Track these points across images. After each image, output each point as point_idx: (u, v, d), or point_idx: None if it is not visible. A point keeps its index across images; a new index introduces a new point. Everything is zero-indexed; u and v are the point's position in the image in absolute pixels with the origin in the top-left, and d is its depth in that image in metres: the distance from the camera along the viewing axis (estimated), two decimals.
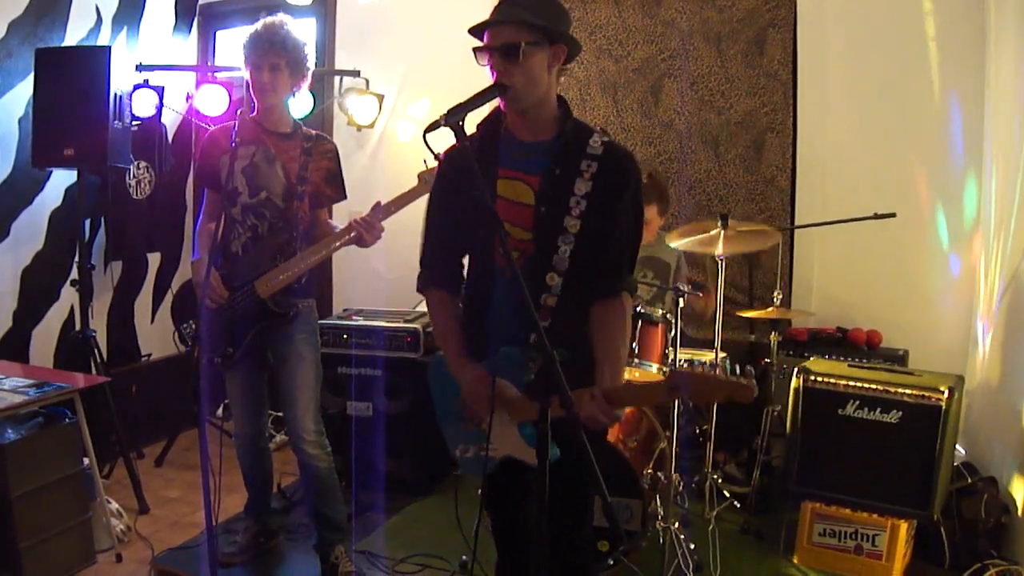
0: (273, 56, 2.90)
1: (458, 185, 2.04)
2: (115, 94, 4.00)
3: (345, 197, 3.17)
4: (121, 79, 4.14)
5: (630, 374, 3.23)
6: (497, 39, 1.95)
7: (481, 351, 2.10)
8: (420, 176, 2.94)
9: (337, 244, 3.01)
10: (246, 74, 2.96)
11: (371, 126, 5.01)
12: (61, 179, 4.37)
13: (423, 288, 2.23)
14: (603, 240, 2.03)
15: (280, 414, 3.75)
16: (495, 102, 2.01)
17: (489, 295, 2.10)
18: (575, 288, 2.03)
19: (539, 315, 1.96)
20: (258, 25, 2.93)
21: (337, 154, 3.14)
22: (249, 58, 2.92)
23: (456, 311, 2.19)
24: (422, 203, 2.27)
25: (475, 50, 1.99)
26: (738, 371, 1.71)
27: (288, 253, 3.00)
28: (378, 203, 2.98)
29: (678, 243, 3.62)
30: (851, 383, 3.30)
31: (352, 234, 2.98)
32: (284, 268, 2.97)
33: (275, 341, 3.08)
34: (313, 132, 3.13)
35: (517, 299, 1.85)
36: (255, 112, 3.04)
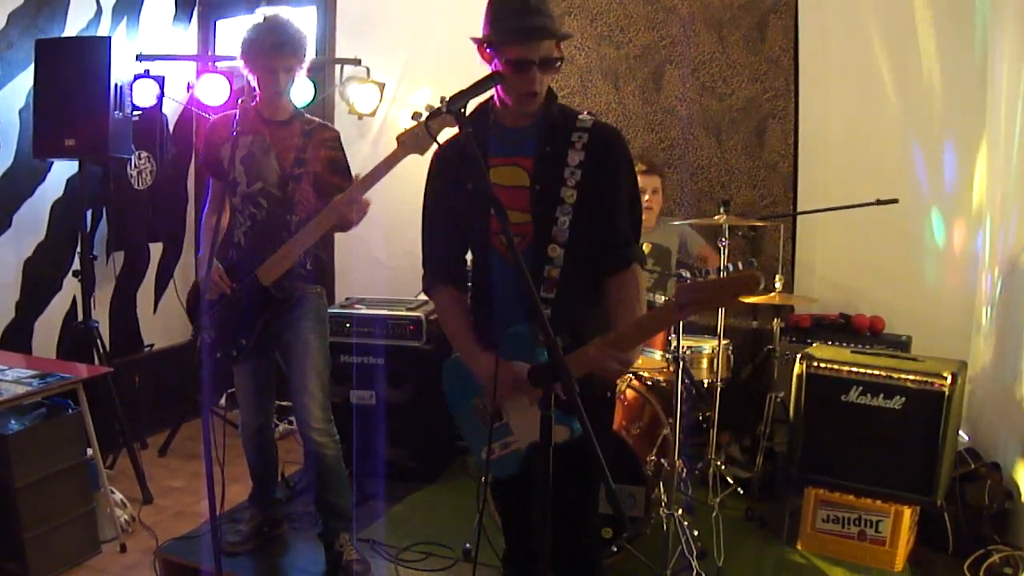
0: (283, 60, 2.87)
1: (455, 177, 2.04)
2: (116, 84, 3.99)
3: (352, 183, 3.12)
4: (121, 69, 4.13)
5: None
6: (536, 53, 1.93)
7: (488, 342, 2.09)
8: (399, 139, 2.82)
9: (322, 223, 2.91)
10: (248, 73, 2.93)
11: (372, 114, 4.99)
12: (62, 170, 4.37)
13: (429, 287, 2.21)
14: (604, 210, 2.02)
15: (285, 403, 3.74)
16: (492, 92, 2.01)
17: (491, 285, 2.09)
18: (578, 262, 2.01)
19: (543, 288, 1.98)
20: (264, 26, 2.87)
21: (339, 141, 3.09)
22: (258, 59, 2.88)
23: (465, 307, 2.17)
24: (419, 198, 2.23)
25: (513, 62, 1.93)
26: (740, 267, 1.67)
27: (286, 238, 2.97)
28: (356, 176, 2.91)
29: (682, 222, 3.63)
30: (854, 369, 3.29)
31: (334, 213, 2.88)
32: (280, 254, 2.94)
33: (281, 329, 3.06)
34: (316, 120, 3.10)
35: (520, 286, 1.83)
36: (256, 102, 3.01)
